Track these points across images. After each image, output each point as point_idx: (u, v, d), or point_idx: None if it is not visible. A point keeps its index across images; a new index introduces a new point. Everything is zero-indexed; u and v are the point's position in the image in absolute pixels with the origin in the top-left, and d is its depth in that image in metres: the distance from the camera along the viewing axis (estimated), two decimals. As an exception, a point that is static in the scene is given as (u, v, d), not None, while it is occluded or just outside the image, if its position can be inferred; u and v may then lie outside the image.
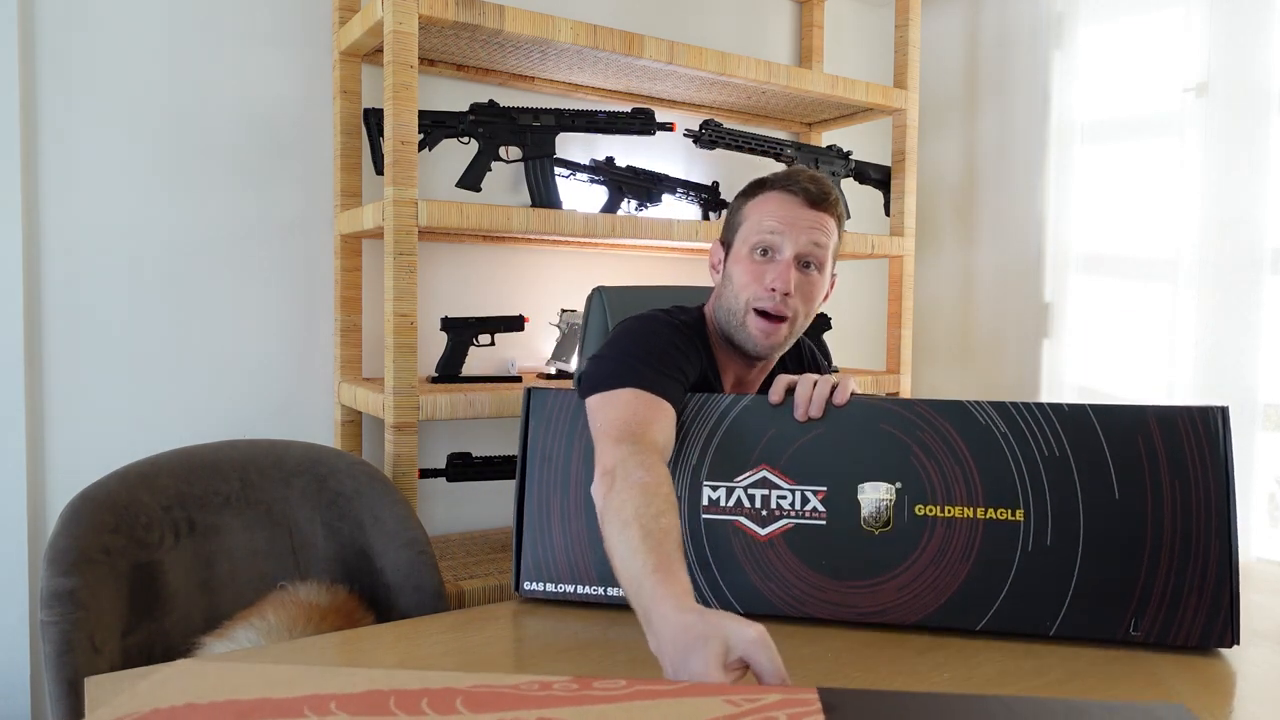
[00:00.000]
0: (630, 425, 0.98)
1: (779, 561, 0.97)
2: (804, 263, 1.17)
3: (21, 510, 1.63)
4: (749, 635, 0.69)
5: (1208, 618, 0.89)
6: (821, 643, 0.91)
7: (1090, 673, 0.84)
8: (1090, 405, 0.96)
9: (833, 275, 1.26)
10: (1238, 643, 0.89)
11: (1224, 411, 0.93)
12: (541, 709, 0.48)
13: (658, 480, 0.91)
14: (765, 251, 1.17)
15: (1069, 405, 0.96)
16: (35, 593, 1.64)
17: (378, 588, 1.40)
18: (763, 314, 1.17)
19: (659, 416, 1.01)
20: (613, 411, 1.00)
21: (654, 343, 1.12)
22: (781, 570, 0.97)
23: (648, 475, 0.91)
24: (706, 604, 0.96)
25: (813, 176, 1.20)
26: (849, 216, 1.21)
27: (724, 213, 1.31)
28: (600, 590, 1.01)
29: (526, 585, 1.04)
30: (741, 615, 0.86)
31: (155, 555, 1.30)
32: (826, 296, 1.26)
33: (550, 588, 1.03)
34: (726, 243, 1.25)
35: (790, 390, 1.04)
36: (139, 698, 0.53)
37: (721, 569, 0.98)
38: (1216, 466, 0.92)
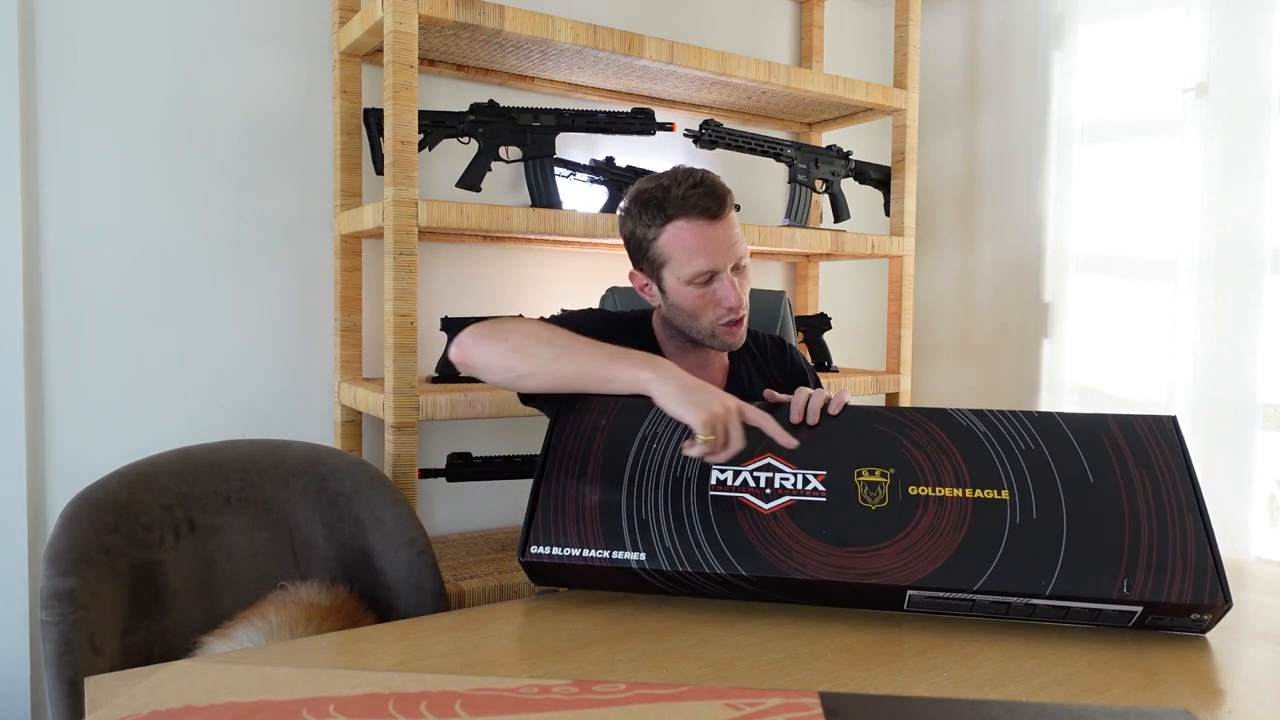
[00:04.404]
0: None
1: (782, 531, 1.01)
2: (737, 267, 1.28)
3: (21, 510, 1.64)
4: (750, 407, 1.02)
5: (1196, 578, 0.92)
6: (821, 642, 0.91)
7: (1089, 672, 0.84)
8: (1057, 413, 1.08)
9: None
10: (1230, 603, 0.90)
11: (1173, 420, 1.05)
12: (541, 712, 0.48)
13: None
14: (705, 279, 1.25)
15: (1039, 412, 1.08)
16: (35, 593, 1.64)
17: (378, 588, 1.40)
18: (724, 323, 1.29)
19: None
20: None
21: (581, 316, 1.30)
22: (785, 539, 1.01)
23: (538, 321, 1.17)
24: (714, 571, 0.99)
25: (697, 184, 1.24)
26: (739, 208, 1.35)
27: (624, 230, 1.34)
28: (605, 554, 1.02)
29: (533, 549, 1.04)
30: (749, 579, 0.98)
31: (155, 555, 1.30)
32: None
33: (556, 551, 1.04)
34: (648, 272, 1.31)
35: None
36: (138, 699, 0.53)
37: (726, 538, 1.01)
38: (1177, 460, 1.01)
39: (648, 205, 1.27)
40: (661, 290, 1.30)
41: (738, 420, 1.01)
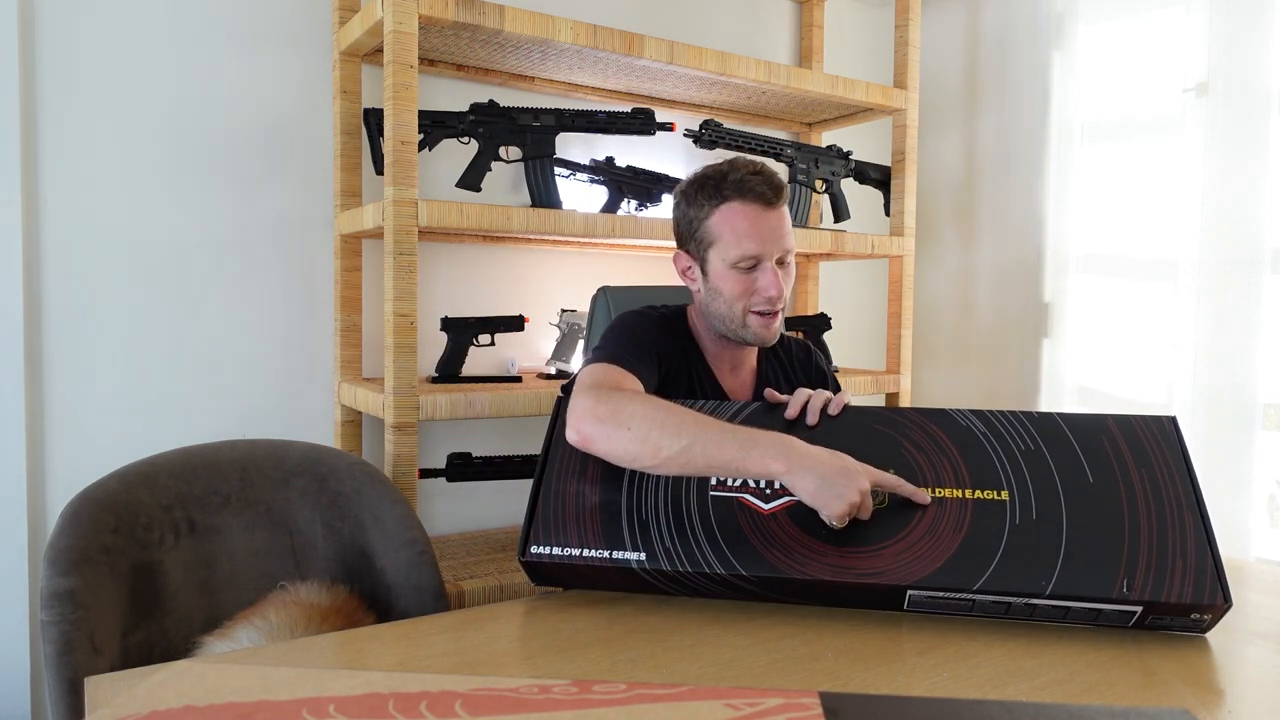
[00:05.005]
0: (603, 382, 1.15)
1: (782, 531, 1.01)
2: (781, 261, 1.29)
3: (21, 510, 1.64)
4: (878, 472, 1.01)
5: (1196, 578, 0.92)
6: (820, 643, 0.91)
7: (1089, 672, 0.84)
8: (1057, 413, 1.09)
9: None
10: (1230, 603, 0.90)
11: (1173, 420, 1.06)
12: (541, 712, 0.48)
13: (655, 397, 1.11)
14: (749, 265, 1.26)
15: (1038, 413, 1.09)
16: (35, 593, 1.64)
17: (378, 588, 1.40)
18: (759, 313, 1.28)
19: (627, 381, 1.17)
20: (589, 376, 1.17)
21: (631, 332, 1.29)
22: (784, 539, 1.01)
23: (644, 394, 1.13)
24: (714, 571, 0.99)
25: (759, 171, 1.27)
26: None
27: (676, 213, 1.35)
28: (605, 553, 1.02)
29: (533, 549, 1.04)
30: (749, 579, 0.98)
31: (155, 555, 1.30)
32: None
33: (556, 551, 1.04)
34: (694, 253, 1.32)
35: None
36: (138, 700, 0.53)
37: (727, 539, 1.01)
38: (1176, 460, 1.02)
39: (704, 185, 1.29)
40: (704, 273, 1.30)
41: (869, 497, 1.00)
